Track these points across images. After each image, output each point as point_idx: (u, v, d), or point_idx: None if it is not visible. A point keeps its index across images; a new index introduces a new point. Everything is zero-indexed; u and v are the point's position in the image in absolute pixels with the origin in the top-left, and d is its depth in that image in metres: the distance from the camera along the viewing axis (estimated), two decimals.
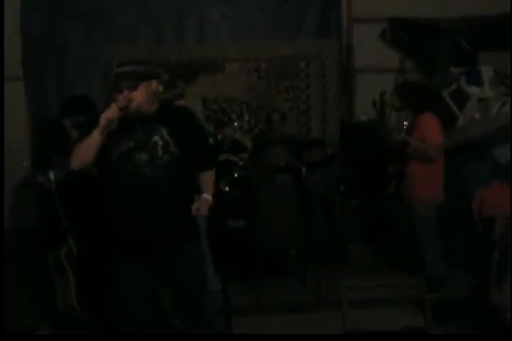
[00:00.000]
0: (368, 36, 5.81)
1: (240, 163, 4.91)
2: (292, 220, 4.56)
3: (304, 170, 4.90)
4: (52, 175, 3.77)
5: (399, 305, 3.93)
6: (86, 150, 2.78)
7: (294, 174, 4.93)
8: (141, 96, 2.82)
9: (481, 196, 4.21)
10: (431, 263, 4.31)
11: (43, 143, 4.61)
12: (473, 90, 5.21)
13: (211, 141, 4.90)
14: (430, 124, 4.27)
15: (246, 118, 5.78)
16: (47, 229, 4.18)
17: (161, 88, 2.93)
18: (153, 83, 2.89)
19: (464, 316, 3.68)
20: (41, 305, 3.98)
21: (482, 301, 3.65)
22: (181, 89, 4.73)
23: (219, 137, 5.14)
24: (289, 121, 5.59)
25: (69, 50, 5.68)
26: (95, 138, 2.74)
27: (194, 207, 2.94)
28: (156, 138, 2.85)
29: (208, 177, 3.09)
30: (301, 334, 3.44)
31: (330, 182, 5.27)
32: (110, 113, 2.73)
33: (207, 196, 3.01)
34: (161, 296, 3.55)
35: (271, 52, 5.78)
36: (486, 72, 5.24)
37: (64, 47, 5.68)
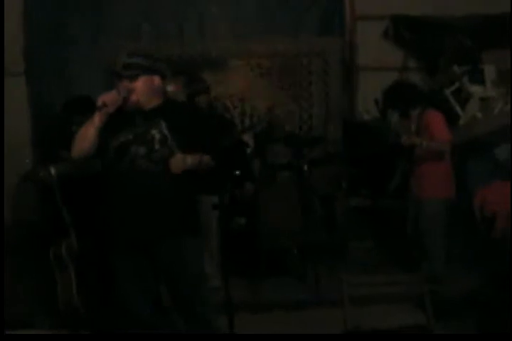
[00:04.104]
0: (371, 34, 5.77)
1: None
2: (293, 218, 4.56)
3: (305, 167, 4.89)
4: (53, 171, 3.77)
5: (400, 302, 3.93)
6: (85, 137, 2.80)
7: (295, 172, 4.92)
8: (141, 89, 2.83)
9: (483, 194, 4.22)
10: (433, 259, 4.31)
11: (46, 139, 4.62)
12: (476, 89, 5.20)
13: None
14: (436, 121, 4.28)
15: (248, 115, 5.77)
16: (48, 224, 4.19)
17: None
18: (156, 78, 2.90)
19: (465, 314, 3.68)
20: (41, 301, 3.98)
21: (483, 299, 3.65)
22: (205, 84, 4.72)
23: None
24: (291, 118, 5.57)
25: (71, 48, 5.66)
26: (93, 123, 2.75)
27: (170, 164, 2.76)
28: (154, 131, 2.83)
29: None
30: (301, 334, 3.42)
31: (331, 180, 5.26)
32: (107, 96, 2.74)
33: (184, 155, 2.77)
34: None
35: (273, 49, 5.75)
36: (489, 70, 5.23)
37: (66, 45, 5.64)
